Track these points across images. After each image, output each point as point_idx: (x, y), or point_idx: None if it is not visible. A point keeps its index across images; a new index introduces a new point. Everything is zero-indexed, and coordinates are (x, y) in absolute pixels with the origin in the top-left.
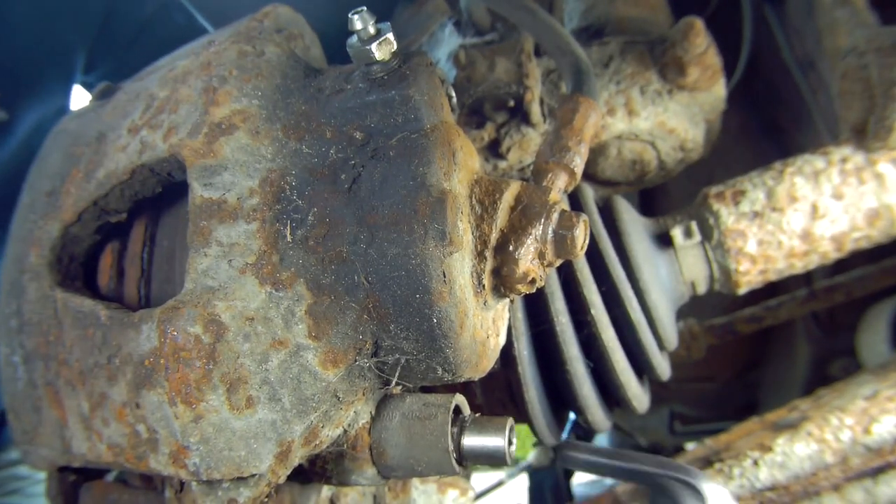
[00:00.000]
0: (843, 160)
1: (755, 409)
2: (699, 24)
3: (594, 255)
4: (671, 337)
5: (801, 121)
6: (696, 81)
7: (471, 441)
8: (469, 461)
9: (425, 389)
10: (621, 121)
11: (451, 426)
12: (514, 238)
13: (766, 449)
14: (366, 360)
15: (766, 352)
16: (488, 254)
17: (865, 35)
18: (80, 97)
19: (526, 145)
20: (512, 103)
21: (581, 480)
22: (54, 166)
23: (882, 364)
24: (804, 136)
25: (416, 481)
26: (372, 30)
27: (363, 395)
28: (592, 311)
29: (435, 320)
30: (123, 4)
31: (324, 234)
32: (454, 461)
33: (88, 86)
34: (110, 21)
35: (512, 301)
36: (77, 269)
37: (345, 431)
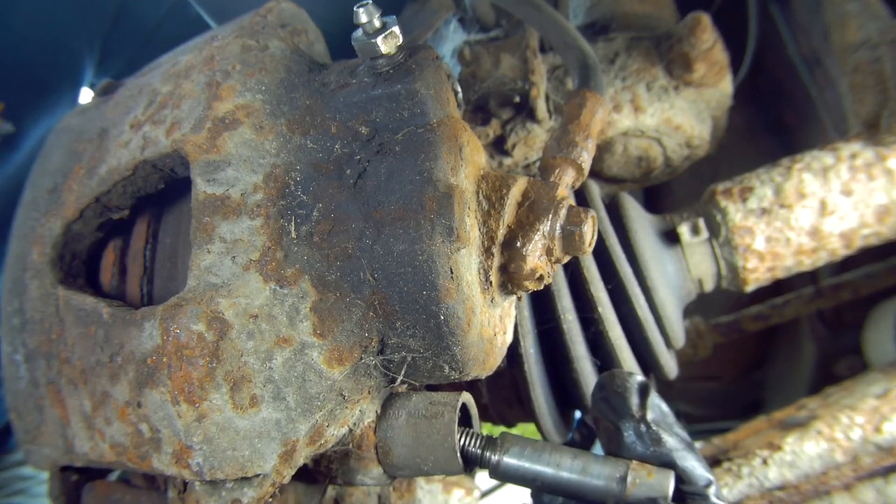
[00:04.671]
0: (853, 156)
1: (760, 408)
2: (706, 19)
3: (601, 252)
4: (678, 335)
5: (807, 117)
6: (703, 77)
7: None
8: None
9: (431, 388)
10: (627, 117)
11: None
12: (521, 234)
13: (776, 448)
14: (372, 358)
15: (771, 350)
16: (495, 250)
17: (878, 28)
18: (85, 97)
19: (531, 142)
20: (517, 99)
21: None
22: (56, 163)
23: (892, 362)
24: (810, 133)
25: (421, 481)
26: (377, 23)
27: (369, 393)
28: (599, 309)
29: (442, 317)
30: (134, 6)
31: (329, 230)
32: (461, 460)
33: (95, 87)
34: (121, 23)
35: (519, 298)
36: (79, 267)
37: (350, 430)
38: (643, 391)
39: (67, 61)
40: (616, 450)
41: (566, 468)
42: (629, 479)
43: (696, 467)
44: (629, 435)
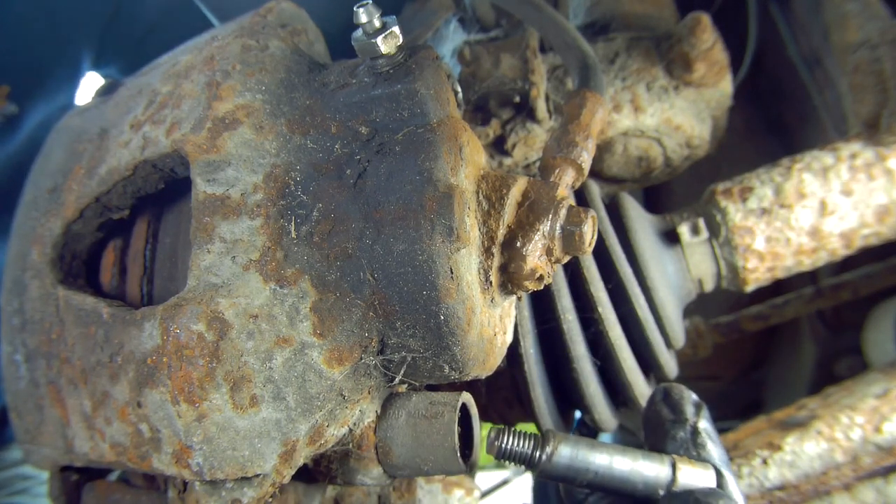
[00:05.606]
0: (853, 156)
1: (760, 408)
2: (706, 19)
3: (601, 252)
4: (678, 335)
5: (807, 117)
6: (703, 77)
7: None
8: None
9: (431, 388)
10: (627, 117)
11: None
12: (521, 234)
13: (776, 448)
14: (371, 358)
15: (771, 350)
16: (495, 250)
17: (878, 28)
18: (86, 91)
19: (531, 142)
20: (517, 99)
21: None
22: (56, 163)
23: (892, 362)
24: (810, 133)
25: (421, 481)
26: (377, 23)
27: (369, 393)
28: (599, 309)
29: (442, 317)
30: (130, 2)
31: (329, 230)
32: (461, 460)
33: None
34: (118, 18)
35: (519, 298)
36: (79, 267)
37: (350, 430)
38: (698, 405)
39: (65, 50)
40: (662, 450)
41: (618, 463)
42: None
43: (733, 482)
44: (680, 437)
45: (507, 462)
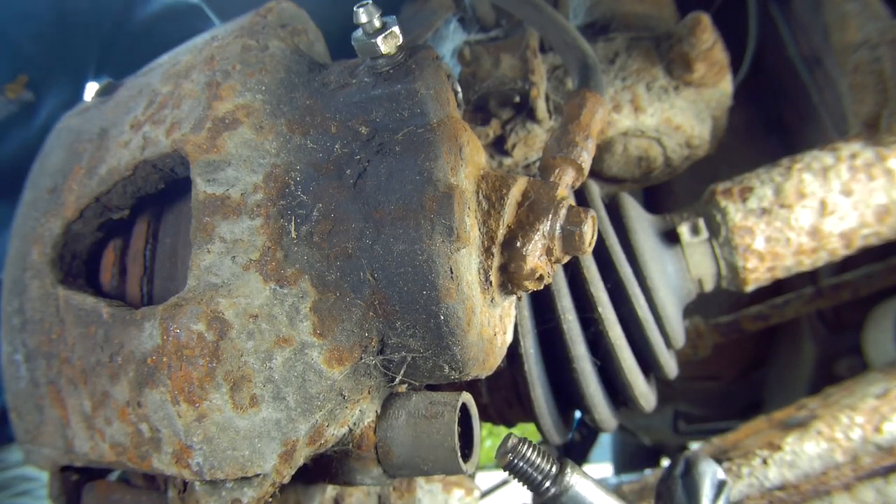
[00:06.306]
0: (853, 156)
1: (760, 409)
2: (706, 19)
3: (601, 252)
4: (678, 335)
5: (807, 117)
6: (703, 77)
7: None
8: None
9: (431, 388)
10: (627, 117)
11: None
12: (521, 234)
13: (776, 448)
14: (371, 358)
15: (771, 350)
16: (495, 250)
17: (878, 28)
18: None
19: (531, 142)
20: (517, 99)
21: None
22: (56, 163)
23: (892, 362)
24: (810, 133)
25: (421, 480)
26: (377, 23)
27: (369, 393)
28: (599, 309)
29: (442, 317)
30: (127, 9)
31: (329, 230)
32: (461, 460)
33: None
34: (119, 27)
35: (519, 298)
36: (79, 267)
37: (350, 430)
38: (720, 488)
39: (72, 53)
40: None
41: None
42: None
43: None
44: None
45: (511, 476)
